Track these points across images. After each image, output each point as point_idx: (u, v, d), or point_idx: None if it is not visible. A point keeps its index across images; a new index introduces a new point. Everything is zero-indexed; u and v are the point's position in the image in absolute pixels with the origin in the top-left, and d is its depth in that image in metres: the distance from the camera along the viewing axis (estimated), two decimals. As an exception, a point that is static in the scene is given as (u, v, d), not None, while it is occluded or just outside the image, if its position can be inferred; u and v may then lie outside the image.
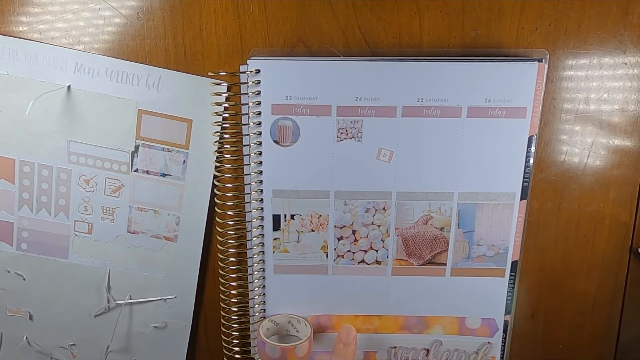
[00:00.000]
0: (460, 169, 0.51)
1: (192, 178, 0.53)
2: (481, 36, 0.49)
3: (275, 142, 0.51)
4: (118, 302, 0.57)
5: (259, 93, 0.49)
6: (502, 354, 0.57)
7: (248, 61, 0.49)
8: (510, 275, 0.54)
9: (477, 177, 0.51)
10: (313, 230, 0.53)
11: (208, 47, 0.50)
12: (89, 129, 0.53)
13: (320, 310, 0.55)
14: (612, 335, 0.58)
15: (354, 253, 0.54)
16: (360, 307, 0.55)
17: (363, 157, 0.51)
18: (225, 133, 0.51)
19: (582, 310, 0.57)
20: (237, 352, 0.57)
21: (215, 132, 0.51)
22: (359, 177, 0.51)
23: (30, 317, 0.59)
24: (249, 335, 0.57)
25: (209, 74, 0.50)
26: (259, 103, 0.49)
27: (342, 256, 0.54)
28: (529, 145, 0.50)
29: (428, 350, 0.57)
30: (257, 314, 0.56)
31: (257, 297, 0.55)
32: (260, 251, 0.54)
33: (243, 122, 0.50)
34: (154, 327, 0.58)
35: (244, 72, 0.49)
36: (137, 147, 0.53)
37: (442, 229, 0.53)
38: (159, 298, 0.57)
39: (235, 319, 0.56)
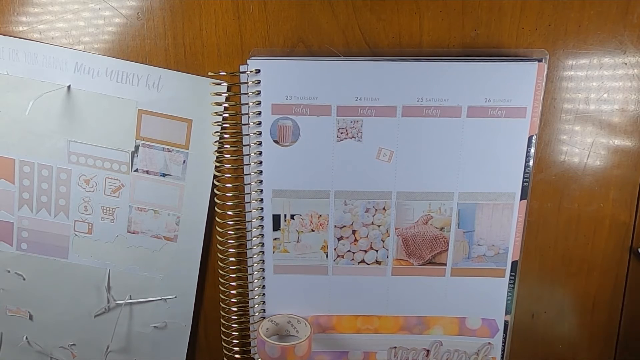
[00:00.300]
0: (460, 169, 0.51)
1: (192, 178, 0.53)
2: (481, 36, 0.49)
3: (275, 142, 0.51)
4: (118, 302, 0.57)
5: (259, 93, 0.49)
6: (503, 355, 0.57)
7: (248, 61, 0.49)
8: (510, 275, 0.54)
9: (477, 177, 0.51)
10: (313, 230, 0.53)
11: (208, 47, 0.50)
12: (89, 129, 0.53)
13: (320, 310, 0.55)
14: (612, 335, 0.58)
15: (354, 253, 0.54)
16: (360, 307, 0.55)
17: (363, 157, 0.51)
18: (225, 133, 0.51)
19: (582, 310, 0.57)
20: (237, 352, 0.57)
21: (215, 132, 0.51)
22: (359, 177, 0.51)
23: (30, 317, 0.59)
24: (249, 335, 0.57)
25: (209, 74, 0.50)
26: (259, 103, 0.49)
27: (342, 256, 0.54)
28: (529, 145, 0.50)
29: (428, 350, 0.57)
30: (257, 314, 0.56)
31: (257, 297, 0.55)
32: (260, 251, 0.54)
33: (243, 122, 0.50)
34: (154, 327, 0.58)
35: (244, 72, 0.49)
36: (137, 147, 0.53)
37: (442, 229, 0.53)
38: (159, 298, 0.57)
39: (235, 319, 0.56)
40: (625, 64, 0.50)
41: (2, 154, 0.54)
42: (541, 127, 0.51)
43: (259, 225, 0.53)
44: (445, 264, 0.54)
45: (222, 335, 0.56)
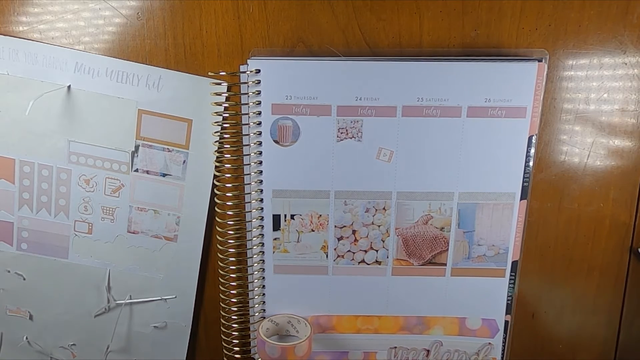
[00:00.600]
0: (460, 169, 0.51)
1: (192, 178, 0.53)
2: (481, 36, 0.49)
3: (275, 142, 0.51)
4: (118, 302, 0.57)
5: (259, 93, 0.49)
6: (503, 355, 0.57)
7: (248, 61, 0.49)
8: (511, 275, 0.54)
9: (477, 177, 0.51)
10: (313, 230, 0.53)
11: (208, 47, 0.50)
12: (89, 129, 0.53)
13: (320, 310, 0.55)
14: (612, 335, 0.58)
15: (354, 253, 0.54)
16: (360, 307, 0.55)
17: (363, 157, 0.51)
18: (225, 133, 0.51)
19: (582, 310, 0.57)
20: (237, 352, 0.57)
21: (215, 132, 0.51)
22: (359, 177, 0.51)
23: (30, 317, 0.59)
24: (249, 335, 0.57)
25: (209, 74, 0.50)
26: (259, 103, 0.49)
27: (342, 256, 0.54)
28: (529, 145, 0.50)
29: (428, 350, 0.57)
30: (257, 314, 0.55)
31: (257, 297, 0.55)
32: (260, 251, 0.54)
33: (243, 122, 0.50)
34: (154, 327, 0.58)
35: (244, 72, 0.49)
36: (137, 147, 0.53)
37: (442, 229, 0.53)
38: (159, 298, 0.57)
39: (235, 319, 0.56)
40: (625, 64, 0.50)
41: (2, 154, 0.54)
42: (541, 127, 0.51)
43: (259, 225, 0.53)
44: (445, 264, 0.54)
45: (222, 335, 0.56)
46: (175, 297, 0.57)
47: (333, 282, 0.54)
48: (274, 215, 0.53)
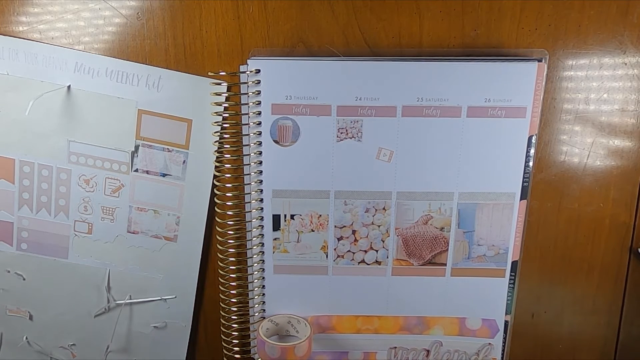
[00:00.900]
0: (460, 169, 0.51)
1: (192, 178, 0.53)
2: (481, 36, 0.49)
3: (275, 142, 0.51)
4: (118, 302, 0.57)
5: (259, 93, 0.49)
6: (503, 355, 0.57)
7: (248, 61, 0.49)
8: (510, 275, 0.54)
9: (477, 177, 0.51)
10: (313, 230, 0.53)
11: (208, 47, 0.50)
12: (89, 129, 0.53)
13: (320, 310, 0.55)
14: (612, 335, 0.58)
15: (354, 253, 0.54)
16: (360, 308, 0.55)
17: (363, 157, 0.51)
18: (225, 133, 0.51)
19: (582, 310, 0.57)
20: (237, 352, 0.57)
21: (215, 132, 0.51)
22: (359, 177, 0.51)
23: (30, 317, 0.59)
24: (249, 335, 0.57)
25: (209, 74, 0.50)
26: (259, 103, 0.49)
27: (342, 256, 0.54)
28: (529, 145, 0.50)
29: (428, 351, 0.57)
30: (257, 314, 0.55)
31: (256, 297, 0.55)
32: (260, 251, 0.54)
33: (243, 122, 0.50)
34: (154, 327, 0.58)
35: (244, 72, 0.49)
36: (137, 147, 0.53)
37: (442, 229, 0.53)
38: (159, 298, 0.57)
39: (235, 319, 0.56)
40: (625, 64, 0.50)
41: (2, 154, 0.54)
42: (541, 127, 0.51)
43: (259, 225, 0.53)
44: (445, 264, 0.54)
45: (222, 335, 0.56)
46: (175, 297, 0.57)
47: (333, 282, 0.54)
48: (273, 215, 0.53)
